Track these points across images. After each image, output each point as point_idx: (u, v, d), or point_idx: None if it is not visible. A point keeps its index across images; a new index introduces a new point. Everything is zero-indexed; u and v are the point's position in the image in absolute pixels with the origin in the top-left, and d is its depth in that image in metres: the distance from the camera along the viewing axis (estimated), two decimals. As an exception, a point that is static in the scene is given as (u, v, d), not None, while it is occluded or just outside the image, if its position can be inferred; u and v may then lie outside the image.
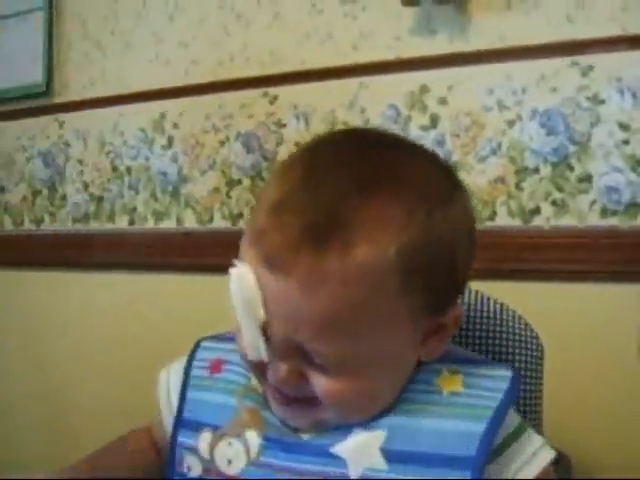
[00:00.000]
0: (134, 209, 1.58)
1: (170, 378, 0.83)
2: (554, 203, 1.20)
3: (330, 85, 1.34)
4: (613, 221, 1.17)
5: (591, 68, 1.16)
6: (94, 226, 1.63)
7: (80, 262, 1.64)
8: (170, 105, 1.51)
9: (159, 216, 1.55)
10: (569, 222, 1.19)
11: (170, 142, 1.53)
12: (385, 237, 0.64)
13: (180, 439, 0.77)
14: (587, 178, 1.18)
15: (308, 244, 0.63)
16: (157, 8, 1.53)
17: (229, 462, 0.72)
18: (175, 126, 1.52)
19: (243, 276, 0.67)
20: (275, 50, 1.40)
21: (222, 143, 1.47)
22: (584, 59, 1.17)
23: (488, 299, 0.92)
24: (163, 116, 1.53)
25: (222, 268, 1.51)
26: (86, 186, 1.64)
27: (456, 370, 0.70)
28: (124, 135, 1.58)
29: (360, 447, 0.67)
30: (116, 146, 1.59)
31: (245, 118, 1.44)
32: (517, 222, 1.23)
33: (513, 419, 0.69)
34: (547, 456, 0.69)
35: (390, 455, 0.66)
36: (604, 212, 1.17)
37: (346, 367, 0.66)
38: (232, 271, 0.68)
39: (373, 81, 1.31)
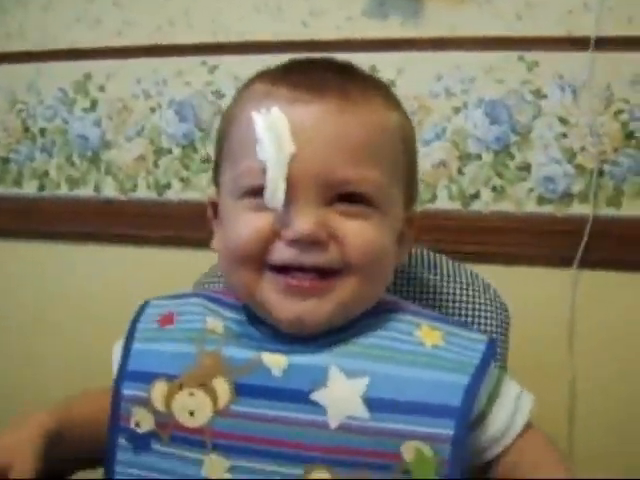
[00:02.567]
0: (45, 173, 1.48)
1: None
2: (494, 189, 1.26)
3: (275, 59, 1.32)
4: (549, 209, 1.24)
5: (536, 64, 1.24)
6: (-3, 190, 1.51)
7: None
8: (96, 66, 1.43)
9: (74, 182, 1.47)
10: (507, 208, 1.26)
11: (93, 105, 1.44)
12: (388, 107, 0.71)
13: (126, 392, 0.70)
14: (526, 167, 1.25)
15: (332, 84, 0.67)
16: (89, -36, 1.45)
17: (191, 413, 0.67)
18: (101, 89, 1.43)
19: (269, 113, 0.65)
20: (219, 19, 1.37)
21: (153, 110, 1.41)
22: (530, 55, 1.24)
23: (460, 266, 0.95)
24: (88, 77, 1.44)
25: (145, 240, 1.47)
26: (-10, 146, 1.52)
27: (435, 327, 0.71)
28: (41, 94, 1.47)
29: (341, 394, 0.65)
30: (30, 105, 1.48)
31: (180, 86, 1.39)
32: (457, 205, 1.27)
33: (493, 375, 0.70)
34: (529, 400, 0.71)
35: (372, 403, 0.65)
36: (541, 200, 1.24)
37: (374, 204, 0.67)
38: (254, 112, 0.66)
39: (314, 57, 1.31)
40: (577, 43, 1.21)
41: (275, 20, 1.35)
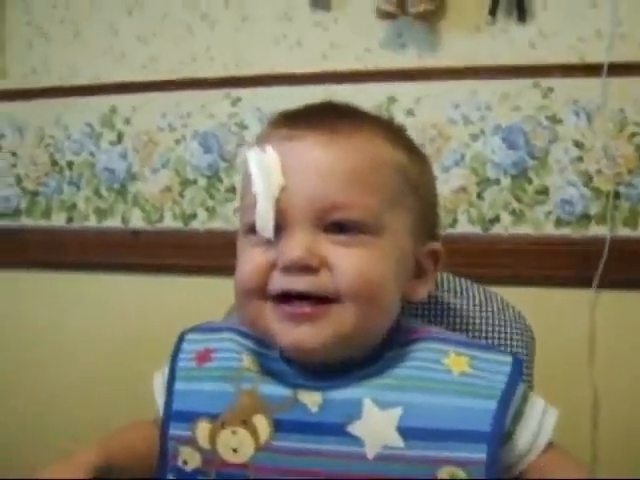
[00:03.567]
0: (73, 206, 1.52)
1: (163, 376, 0.80)
2: (513, 213, 1.29)
3: (296, 90, 1.37)
4: (566, 231, 1.27)
5: (551, 90, 1.27)
6: (26, 222, 1.55)
7: (10, 260, 1.55)
8: (122, 100, 1.48)
9: (102, 214, 1.51)
10: (526, 230, 1.29)
11: (120, 138, 1.49)
12: (383, 143, 0.72)
13: (172, 432, 0.73)
14: (544, 190, 1.28)
15: (325, 123, 0.70)
16: (113, 0, 1.49)
17: (234, 450, 0.70)
18: (126, 122, 1.48)
19: (261, 150, 0.70)
20: (241, 53, 1.42)
21: (177, 142, 1.45)
22: (545, 82, 1.28)
23: (486, 290, 0.97)
24: (114, 111, 1.49)
25: (173, 269, 1.51)
26: (19, 180, 1.56)
27: (461, 352, 0.73)
28: (68, 129, 1.52)
29: (376, 425, 0.68)
30: (57, 139, 1.53)
31: (204, 118, 1.43)
32: (477, 229, 1.31)
33: (518, 394, 0.72)
34: (553, 416, 0.72)
35: (406, 432, 0.67)
36: (559, 222, 1.28)
37: (368, 232, 0.68)
38: (249, 151, 0.70)
39: (340, 90, 1.34)
40: (590, 69, 1.25)
41: (295, 52, 1.39)
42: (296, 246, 0.67)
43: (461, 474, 0.66)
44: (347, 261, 0.67)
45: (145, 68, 1.47)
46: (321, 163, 0.68)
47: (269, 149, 0.69)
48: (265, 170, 0.68)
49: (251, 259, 0.69)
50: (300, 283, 0.67)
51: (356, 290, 0.67)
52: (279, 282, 0.68)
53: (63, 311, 1.54)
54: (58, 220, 1.53)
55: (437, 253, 0.76)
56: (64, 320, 1.54)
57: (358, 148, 0.70)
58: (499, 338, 0.94)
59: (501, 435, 0.67)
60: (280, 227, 0.68)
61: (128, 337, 1.48)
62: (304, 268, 0.67)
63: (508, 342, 0.94)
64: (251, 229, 0.70)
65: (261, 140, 0.72)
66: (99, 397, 1.49)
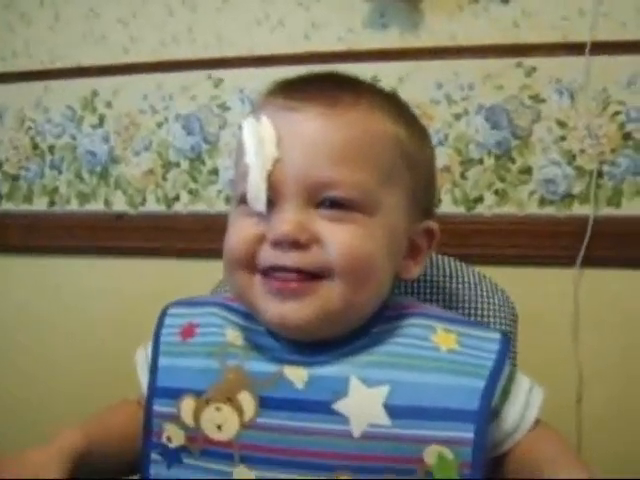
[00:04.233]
0: (55, 190, 1.51)
1: (146, 352, 0.79)
2: (496, 192, 1.29)
3: (278, 71, 1.34)
4: (550, 210, 1.27)
5: (534, 69, 1.27)
6: (7, 207, 1.54)
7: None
8: (103, 83, 1.46)
9: (84, 198, 1.49)
10: (510, 210, 1.29)
11: (101, 121, 1.47)
12: (382, 117, 0.71)
13: (157, 408, 0.73)
14: (527, 170, 1.28)
15: (324, 95, 0.69)
16: (94, -17, 1.48)
17: (219, 428, 0.70)
18: (108, 105, 1.47)
19: (256, 119, 0.69)
20: (223, 34, 1.40)
21: (160, 124, 1.44)
22: (528, 61, 1.27)
23: (467, 267, 0.98)
24: (95, 94, 1.47)
25: (156, 252, 1.50)
26: (0, 164, 1.55)
27: (449, 329, 0.72)
28: (48, 112, 1.50)
29: (362, 403, 0.68)
30: (38, 123, 1.52)
31: (186, 99, 1.42)
32: (461, 209, 1.30)
33: (506, 372, 0.71)
34: (540, 395, 0.73)
35: (393, 410, 0.67)
36: (542, 202, 1.27)
37: (361, 209, 0.68)
38: (244, 120, 0.69)
39: (322, 70, 1.34)
40: (573, 48, 1.25)
41: (277, 33, 1.38)
42: (286, 221, 0.66)
43: (448, 453, 0.66)
44: (338, 237, 0.67)
45: (126, 50, 1.46)
46: (317, 137, 0.67)
47: (264, 119, 0.68)
48: (259, 141, 0.67)
49: (241, 230, 0.69)
50: (289, 259, 0.67)
51: (346, 267, 0.67)
52: (268, 256, 0.67)
53: (45, 295, 1.53)
54: (40, 204, 1.52)
55: (432, 231, 0.76)
56: (47, 305, 1.53)
57: (356, 122, 0.69)
58: (482, 316, 0.94)
59: (488, 414, 0.67)
60: (272, 200, 0.67)
61: (111, 320, 1.47)
62: (294, 243, 0.66)
63: (492, 320, 0.94)
64: (243, 199, 0.69)
65: (257, 109, 0.71)
66: (83, 380, 1.49)
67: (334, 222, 0.67)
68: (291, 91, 0.71)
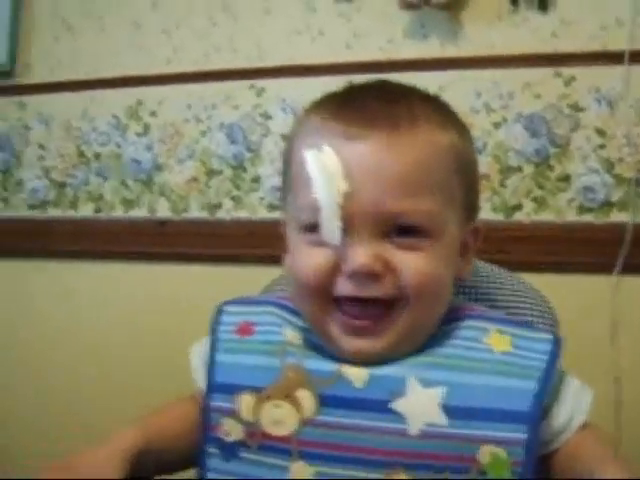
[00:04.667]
0: (100, 196, 1.55)
1: (202, 349, 0.81)
2: (535, 200, 1.31)
3: (319, 81, 1.38)
4: (589, 218, 1.28)
5: (573, 79, 1.29)
6: (54, 213, 1.58)
7: (39, 250, 1.58)
8: (148, 92, 1.51)
9: (129, 204, 1.53)
10: (548, 218, 1.30)
11: (146, 130, 1.51)
12: (438, 129, 0.72)
13: (215, 403, 0.75)
14: (566, 178, 1.29)
15: (382, 116, 0.70)
16: (137, -6, 1.52)
17: (278, 423, 0.72)
18: (153, 114, 1.51)
19: (321, 151, 0.69)
20: (264, 44, 1.44)
21: (203, 133, 1.48)
22: (567, 70, 1.29)
23: (508, 273, 0.99)
24: (140, 103, 1.51)
25: (199, 258, 1.52)
26: (47, 172, 1.59)
27: (503, 331, 0.74)
28: (94, 121, 1.55)
29: (420, 403, 0.69)
30: (84, 132, 1.56)
31: (229, 109, 1.46)
32: (500, 217, 1.32)
33: (557, 373, 0.73)
34: (589, 396, 0.73)
35: (449, 410, 0.69)
36: (581, 209, 1.29)
37: (429, 234, 0.69)
38: (307, 152, 0.69)
39: (363, 80, 1.36)
40: (612, 57, 1.26)
41: (318, 43, 1.41)
42: (363, 253, 0.68)
43: (501, 453, 0.67)
44: (411, 265, 0.69)
45: (169, 60, 1.50)
46: (384, 166, 0.68)
47: (328, 150, 0.68)
48: (326, 174, 0.68)
49: (313, 259, 0.70)
50: (366, 290, 0.69)
51: (420, 293, 0.69)
52: (345, 288, 0.69)
53: (92, 301, 1.57)
54: (85, 211, 1.56)
55: (478, 230, 0.79)
56: (93, 310, 1.57)
57: (420, 146, 0.70)
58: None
59: (540, 415, 0.69)
60: (344, 231, 0.68)
61: (157, 325, 1.50)
62: (370, 275, 0.68)
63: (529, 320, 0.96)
64: (309, 228, 0.71)
65: (313, 134, 0.71)
66: (130, 387, 1.52)
67: (406, 250, 0.69)
68: (348, 117, 0.71)
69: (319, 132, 0.71)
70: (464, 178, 0.74)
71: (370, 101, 0.73)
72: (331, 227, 0.68)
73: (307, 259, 0.71)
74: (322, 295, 0.70)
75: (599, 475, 0.66)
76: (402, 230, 0.69)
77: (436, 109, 0.75)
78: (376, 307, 0.69)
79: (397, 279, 0.68)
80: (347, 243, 0.68)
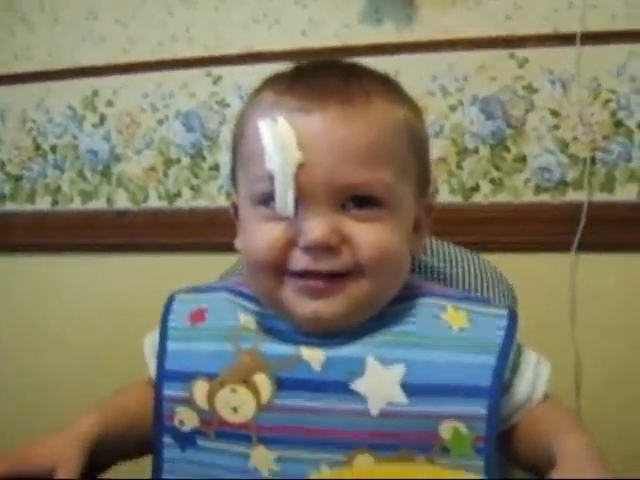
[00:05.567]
0: (58, 189, 1.54)
1: (153, 338, 0.80)
2: (492, 181, 1.32)
3: (276, 68, 1.37)
4: (545, 197, 1.30)
5: (526, 60, 1.30)
6: (11, 207, 1.56)
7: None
8: (103, 83, 1.49)
9: (87, 196, 1.52)
10: (505, 198, 1.32)
11: (102, 120, 1.50)
12: (391, 104, 0.72)
13: (167, 392, 0.74)
14: (522, 159, 1.31)
15: (336, 91, 0.69)
16: (92, -15, 1.51)
17: (235, 410, 0.71)
18: (109, 104, 1.49)
19: (275, 122, 0.68)
20: (221, 32, 1.43)
21: (160, 122, 1.47)
22: (520, 52, 1.30)
23: (466, 252, 1.00)
24: (95, 94, 1.50)
25: (158, 247, 1.52)
26: (2, 165, 1.57)
27: (459, 307, 0.74)
28: (49, 112, 1.53)
29: (379, 382, 0.69)
30: (40, 123, 1.54)
31: (186, 97, 1.45)
32: (458, 198, 1.34)
33: (515, 347, 0.73)
34: (547, 368, 0.75)
35: (409, 388, 0.69)
36: (537, 189, 1.31)
37: (384, 205, 0.69)
38: (261, 122, 0.68)
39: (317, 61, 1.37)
40: (564, 39, 1.28)
41: (274, 30, 1.41)
42: (318, 226, 0.67)
43: (462, 428, 0.68)
44: (368, 237, 0.68)
45: (125, 50, 1.48)
46: (340, 138, 0.68)
47: (282, 121, 0.68)
48: (280, 145, 0.67)
49: (267, 234, 0.70)
50: (323, 263, 0.68)
51: (376, 264, 0.69)
52: (301, 261, 0.69)
53: (50, 293, 1.56)
54: (43, 203, 1.55)
55: (431, 205, 0.79)
56: (52, 302, 1.56)
57: (374, 119, 0.70)
58: (477, 291, 0.97)
59: (500, 389, 0.69)
60: (298, 204, 0.68)
61: (117, 316, 1.49)
62: (326, 248, 0.68)
63: (485, 293, 0.97)
64: (262, 201, 0.70)
65: (267, 109, 0.70)
66: (90, 379, 1.50)
67: (362, 222, 0.69)
68: (300, 90, 0.71)
69: (273, 106, 0.70)
70: (417, 153, 0.75)
71: (323, 77, 0.73)
72: (284, 198, 0.67)
73: (261, 234, 0.70)
74: (277, 270, 0.70)
75: (560, 442, 0.66)
76: (358, 202, 0.69)
77: (387, 86, 0.75)
78: (328, 278, 0.69)
79: (353, 251, 0.68)
80: (302, 216, 0.68)
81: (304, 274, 0.69)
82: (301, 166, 0.67)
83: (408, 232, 0.74)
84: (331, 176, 0.67)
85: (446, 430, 0.68)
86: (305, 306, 0.69)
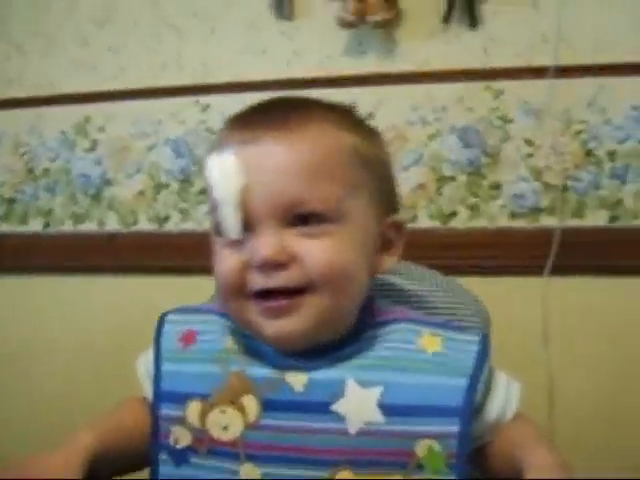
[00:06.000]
0: (50, 211, 1.58)
1: (147, 359, 0.84)
2: (469, 207, 1.38)
3: (262, 96, 1.41)
4: (520, 223, 1.36)
5: (502, 92, 1.36)
6: (3, 229, 1.60)
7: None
8: (96, 109, 1.54)
9: (78, 219, 1.57)
10: (482, 224, 1.38)
11: (94, 146, 1.55)
12: (333, 128, 0.76)
13: (164, 412, 0.79)
14: (497, 186, 1.37)
15: (276, 120, 0.74)
16: (85, 13, 1.55)
17: (224, 429, 0.75)
18: (101, 130, 1.54)
19: (219, 155, 0.73)
20: (209, 62, 1.49)
21: (150, 148, 1.52)
22: (496, 84, 1.36)
23: (441, 275, 1.05)
24: (87, 120, 1.55)
25: (148, 270, 1.55)
26: (-4, 188, 1.61)
27: (434, 333, 0.78)
28: (42, 137, 1.58)
29: (358, 403, 0.74)
30: (32, 148, 1.59)
31: (175, 124, 1.50)
32: (436, 224, 1.39)
33: (486, 370, 0.78)
34: (517, 389, 0.79)
35: (386, 409, 0.73)
36: (512, 215, 1.37)
37: (331, 220, 0.73)
38: (209, 157, 0.74)
39: (304, 95, 1.42)
40: (538, 72, 1.34)
41: (261, 60, 1.46)
42: (265, 245, 0.72)
43: (436, 446, 0.72)
44: (314, 252, 0.72)
45: (116, 77, 1.53)
46: (278, 161, 0.72)
47: (227, 154, 0.73)
48: (224, 175, 0.72)
49: (226, 259, 0.75)
50: (274, 280, 0.72)
51: (325, 279, 0.73)
52: (256, 281, 0.73)
53: (41, 315, 1.59)
54: (35, 225, 1.59)
55: (399, 224, 0.82)
56: (43, 324, 1.60)
57: (311, 139, 0.74)
58: (457, 321, 1.02)
59: (472, 409, 0.74)
60: (247, 227, 0.73)
61: (107, 337, 1.54)
62: (276, 265, 0.72)
63: (466, 324, 1.01)
64: (218, 230, 0.75)
65: (218, 146, 0.76)
66: (81, 400, 1.53)
67: (308, 238, 0.72)
68: (246, 124, 0.76)
69: (222, 141, 0.76)
70: (372, 172, 0.78)
71: (270, 110, 0.78)
72: (230, 222, 0.72)
73: (222, 260, 0.75)
74: (239, 292, 0.74)
75: (528, 458, 0.71)
76: (303, 218, 0.73)
77: (334, 115, 0.79)
78: (287, 296, 0.73)
79: (303, 267, 0.72)
80: (252, 238, 0.73)
81: (264, 295, 0.73)
82: (246, 191, 0.72)
83: (367, 248, 0.77)
84: (273, 196, 0.72)
85: (421, 448, 0.72)
86: (269, 327, 0.74)
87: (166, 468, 0.78)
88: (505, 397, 0.78)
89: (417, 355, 0.77)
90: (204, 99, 1.49)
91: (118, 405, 0.86)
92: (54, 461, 0.72)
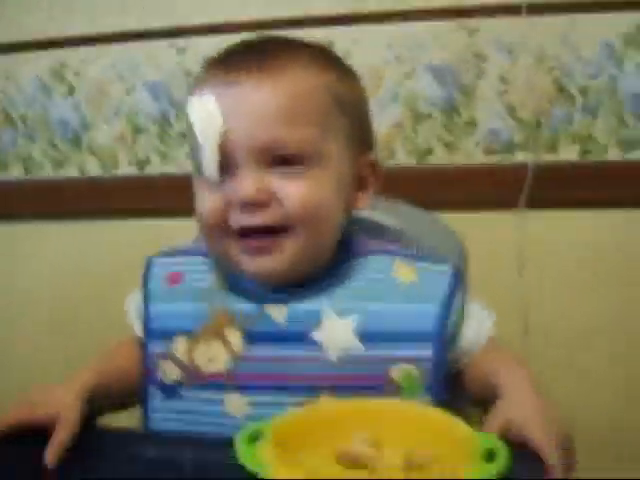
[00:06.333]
0: (29, 158, 1.58)
1: (136, 300, 0.89)
2: (445, 144, 1.40)
3: (238, 38, 1.42)
4: (495, 158, 1.39)
5: (477, 30, 1.37)
6: (-17, 176, 1.61)
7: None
8: (71, 54, 1.53)
9: (58, 164, 1.57)
10: (458, 160, 1.40)
11: (71, 91, 1.55)
12: (309, 69, 0.79)
13: (152, 348, 0.83)
14: (473, 123, 1.39)
15: (254, 62, 0.77)
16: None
17: (210, 361, 0.79)
18: (77, 75, 1.54)
19: (200, 97, 0.76)
20: (185, 4, 1.48)
21: (128, 92, 1.52)
22: (471, 22, 1.37)
23: (419, 210, 1.09)
24: (63, 65, 1.54)
25: (129, 213, 1.58)
26: (-28, 136, 1.61)
27: (409, 263, 0.83)
28: (19, 84, 1.57)
29: (336, 331, 0.78)
30: (9, 94, 1.58)
31: (152, 67, 1.50)
32: (413, 161, 1.42)
33: (459, 300, 0.82)
34: (491, 316, 0.85)
35: (363, 336, 0.78)
36: (487, 151, 1.39)
37: (308, 162, 0.76)
38: (190, 99, 0.77)
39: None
40: (512, 10, 1.34)
41: (237, 1, 1.46)
42: (246, 185, 0.75)
43: (412, 370, 0.77)
44: (292, 192, 0.75)
45: (92, 21, 1.52)
46: (256, 103, 0.75)
47: (207, 96, 0.75)
48: (205, 118, 0.75)
49: (208, 198, 0.78)
50: (255, 219, 0.76)
51: (303, 218, 0.76)
52: (237, 219, 0.76)
53: (24, 262, 1.61)
54: (15, 172, 1.60)
55: (374, 162, 0.85)
56: (25, 271, 1.62)
57: (288, 82, 0.76)
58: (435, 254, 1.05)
59: (445, 334, 0.78)
60: (229, 168, 0.76)
61: (91, 280, 1.56)
62: (256, 204, 0.75)
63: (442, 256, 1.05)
64: (200, 170, 0.78)
65: (199, 87, 0.78)
66: (66, 347, 1.58)
67: (286, 179, 0.76)
68: (226, 66, 0.78)
69: (202, 84, 0.79)
70: (347, 113, 0.81)
71: (247, 52, 0.81)
72: (210, 164, 0.75)
73: (204, 200, 0.78)
74: (222, 230, 0.78)
75: (502, 377, 0.75)
76: (282, 160, 0.76)
77: (312, 55, 0.81)
78: (267, 235, 0.77)
79: (282, 207, 0.76)
80: (234, 179, 0.76)
81: (245, 234, 0.77)
82: (226, 134, 0.75)
83: (344, 187, 0.81)
84: (252, 138, 0.75)
85: (396, 371, 0.77)
86: (249, 263, 0.78)
87: (156, 401, 0.83)
88: (478, 324, 0.83)
89: (392, 284, 0.81)
90: (180, 42, 1.49)
91: (115, 347, 0.91)
92: (62, 394, 0.76)
